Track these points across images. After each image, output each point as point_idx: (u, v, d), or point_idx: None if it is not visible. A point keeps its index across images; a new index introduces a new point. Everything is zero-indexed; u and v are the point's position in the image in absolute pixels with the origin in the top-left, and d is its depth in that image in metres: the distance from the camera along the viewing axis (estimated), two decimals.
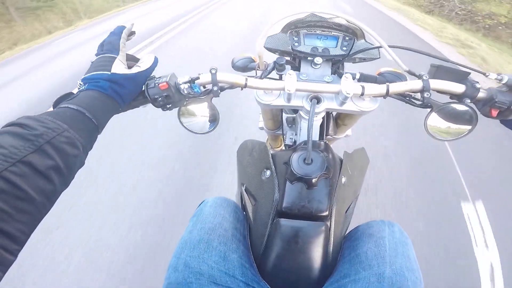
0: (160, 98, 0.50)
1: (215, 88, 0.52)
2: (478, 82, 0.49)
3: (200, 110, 0.57)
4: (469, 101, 0.49)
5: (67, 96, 0.42)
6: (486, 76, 0.48)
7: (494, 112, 0.48)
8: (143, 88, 0.50)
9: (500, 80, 0.47)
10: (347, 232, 0.58)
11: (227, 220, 0.55)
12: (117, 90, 0.45)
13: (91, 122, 0.39)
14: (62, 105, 0.39)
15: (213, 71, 0.52)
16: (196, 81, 0.52)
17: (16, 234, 0.27)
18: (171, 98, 0.50)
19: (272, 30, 0.62)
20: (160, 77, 0.51)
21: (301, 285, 0.48)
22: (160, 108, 0.52)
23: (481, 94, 0.49)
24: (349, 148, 0.76)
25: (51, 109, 0.40)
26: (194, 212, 0.59)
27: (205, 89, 0.54)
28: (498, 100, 0.46)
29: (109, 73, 0.45)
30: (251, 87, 0.54)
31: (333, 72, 0.61)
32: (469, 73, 0.50)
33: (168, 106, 0.52)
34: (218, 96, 0.53)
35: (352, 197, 0.56)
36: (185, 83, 0.51)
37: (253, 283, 0.48)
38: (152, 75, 0.52)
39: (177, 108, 0.54)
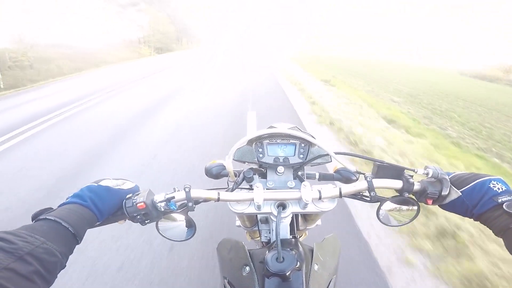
0: (138, 216, 0.55)
1: (190, 204, 0.57)
2: (412, 177, 0.59)
3: (177, 220, 0.61)
4: (407, 194, 0.58)
5: (46, 210, 0.46)
6: (415, 172, 0.58)
7: (429, 201, 0.56)
8: (122, 206, 0.55)
9: (427, 174, 0.56)
10: None
11: None
12: (95, 202, 0.50)
13: (68, 231, 0.43)
14: (41, 217, 0.44)
15: (187, 189, 0.57)
16: (171, 200, 0.56)
17: None
18: (148, 215, 0.55)
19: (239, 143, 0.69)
20: (137, 194, 0.56)
21: None
22: (138, 223, 0.56)
23: (416, 187, 0.58)
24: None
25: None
26: None
27: (181, 203, 0.59)
28: (429, 192, 0.55)
29: (96, 184, 0.54)
30: (223, 200, 0.60)
31: (295, 177, 0.70)
32: (404, 169, 0.60)
33: (146, 221, 0.56)
34: (193, 210, 0.58)
35: (328, 278, 0.61)
36: (161, 202, 0.56)
37: None
38: (129, 194, 0.57)
39: (155, 222, 0.58)
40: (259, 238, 1.07)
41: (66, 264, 0.42)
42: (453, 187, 0.54)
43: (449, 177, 0.56)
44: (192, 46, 39.88)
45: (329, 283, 0.60)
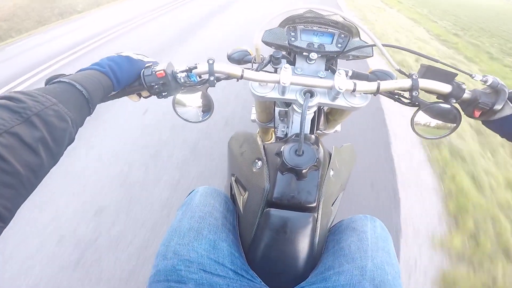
0: (156, 86, 0.51)
1: (212, 78, 0.53)
2: (464, 83, 0.52)
3: (194, 99, 0.57)
4: (454, 101, 0.51)
5: (60, 75, 0.42)
6: (472, 77, 0.51)
7: (477, 113, 0.50)
8: (140, 75, 0.51)
9: (485, 82, 0.49)
10: (332, 226, 0.60)
11: (217, 210, 0.56)
12: (114, 69, 0.46)
13: (82, 95, 0.39)
14: (55, 80, 0.40)
15: (211, 61, 0.53)
16: (193, 71, 0.52)
17: (0, 210, 0.25)
18: (167, 86, 0.51)
19: (269, 24, 0.63)
20: (157, 64, 0.52)
21: (287, 275, 0.49)
22: (155, 96, 0.53)
23: (466, 95, 0.51)
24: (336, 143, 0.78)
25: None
26: (184, 201, 0.59)
27: (201, 78, 0.54)
28: (481, 101, 0.48)
29: (116, 54, 0.50)
30: (247, 79, 0.54)
31: (327, 68, 0.63)
32: (456, 74, 0.52)
33: (163, 94, 0.52)
34: (214, 86, 0.54)
35: (339, 191, 0.58)
36: (182, 72, 0.52)
37: (242, 272, 0.49)
38: (149, 64, 0.53)
39: (172, 97, 0.55)
40: (270, 140, 1.04)
41: (75, 138, 0.38)
42: (509, 102, 0.47)
43: (509, 91, 0.48)
44: None
45: (337, 198, 0.57)
